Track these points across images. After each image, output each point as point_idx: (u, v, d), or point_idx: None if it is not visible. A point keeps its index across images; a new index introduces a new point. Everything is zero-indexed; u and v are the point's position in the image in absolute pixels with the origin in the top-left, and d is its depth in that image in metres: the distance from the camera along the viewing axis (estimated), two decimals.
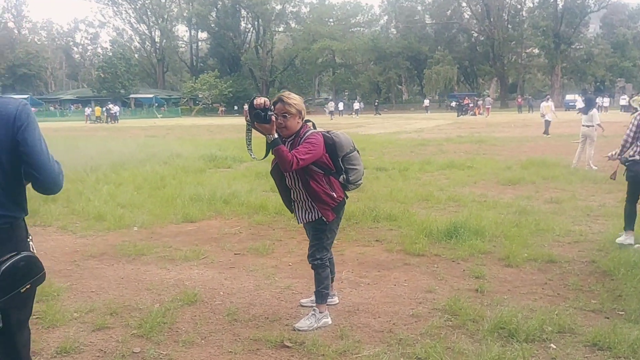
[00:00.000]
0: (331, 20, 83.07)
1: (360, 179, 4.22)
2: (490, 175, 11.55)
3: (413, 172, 12.29)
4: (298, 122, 3.90)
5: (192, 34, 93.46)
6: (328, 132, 4.08)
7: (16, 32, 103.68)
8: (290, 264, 5.62)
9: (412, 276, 5.17)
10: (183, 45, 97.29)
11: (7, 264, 1.99)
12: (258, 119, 3.65)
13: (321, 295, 4.11)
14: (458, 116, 49.11)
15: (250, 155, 4.00)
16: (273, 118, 3.67)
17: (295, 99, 3.90)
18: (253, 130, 3.86)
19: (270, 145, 3.73)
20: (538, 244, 6.13)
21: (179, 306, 4.40)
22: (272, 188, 10.04)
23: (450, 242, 6.17)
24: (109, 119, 50.96)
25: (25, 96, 72.65)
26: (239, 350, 3.62)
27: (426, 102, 65.54)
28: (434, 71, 70.79)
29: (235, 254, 6.01)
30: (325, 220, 4.02)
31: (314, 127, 4.06)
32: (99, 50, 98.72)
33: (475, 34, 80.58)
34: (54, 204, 8.51)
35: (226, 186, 9.95)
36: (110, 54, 76.53)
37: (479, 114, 51.68)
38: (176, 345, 3.70)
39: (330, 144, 3.99)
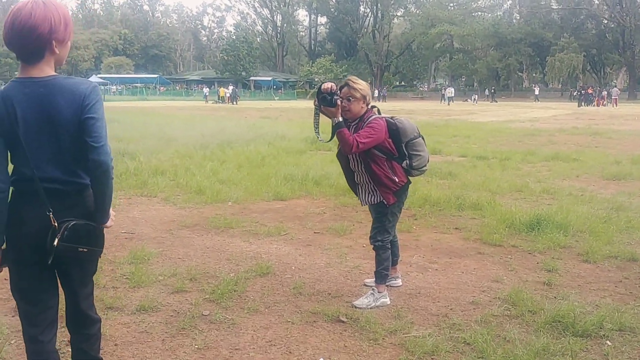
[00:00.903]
0: (452, 4, 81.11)
1: (425, 165, 4.29)
2: (596, 169, 11.00)
3: (514, 163, 11.96)
4: (362, 107, 4.05)
5: (312, 18, 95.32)
6: (392, 117, 4.19)
7: (150, 14, 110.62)
8: (365, 245, 5.76)
9: (482, 265, 5.18)
10: (303, 30, 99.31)
11: (76, 222, 2.31)
12: (324, 102, 3.87)
13: (381, 276, 4.26)
14: (579, 106, 46.50)
15: (317, 137, 4.23)
16: (338, 102, 3.87)
17: (360, 84, 4.05)
18: (321, 115, 4.07)
19: (335, 128, 3.92)
20: (624, 241, 5.88)
21: (252, 277, 4.72)
22: None
23: (530, 235, 6.06)
24: (232, 100, 53.14)
25: (155, 76, 77.72)
26: (297, 321, 3.87)
27: (536, 90, 62.57)
28: (557, 59, 67.22)
29: (314, 232, 6.28)
30: (386, 203, 4.15)
31: (379, 113, 4.19)
32: (224, 33, 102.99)
33: (605, 21, 75.35)
34: (161, 177, 9.24)
35: (320, 168, 10.25)
36: (234, 37, 79.60)
37: (602, 105, 48.61)
38: (241, 311, 4.02)
39: (394, 130, 4.10)
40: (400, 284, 4.64)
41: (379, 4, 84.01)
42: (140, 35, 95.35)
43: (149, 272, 4.76)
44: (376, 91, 65.14)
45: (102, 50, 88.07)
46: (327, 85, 3.89)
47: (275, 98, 68.55)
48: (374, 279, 4.32)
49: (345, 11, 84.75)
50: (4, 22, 2.26)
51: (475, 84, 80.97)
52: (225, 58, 75.96)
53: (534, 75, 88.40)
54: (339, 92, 3.93)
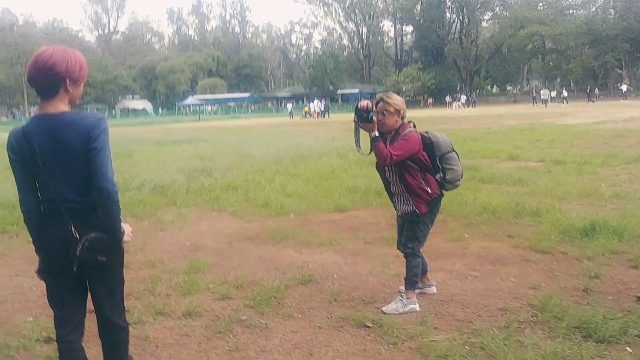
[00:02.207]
0: (541, 4, 78.43)
1: (459, 180, 4.48)
2: None
3: (592, 167, 11.56)
4: (397, 120, 4.28)
5: (397, 28, 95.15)
6: (426, 132, 4.42)
7: (241, 36, 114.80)
8: None
9: (524, 272, 5.19)
10: (388, 40, 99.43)
11: (95, 234, 2.69)
12: (361, 119, 4.18)
13: (410, 282, 4.42)
14: None
15: (358, 150, 4.50)
16: (374, 118, 4.14)
17: (395, 99, 4.31)
18: (360, 129, 4.34)
19: (372, 142, 4.20)
20: None
21: (294, 284, 5.02)
22: None
23: (583, 241, 5.97)
24: (323, 114, 53.68)
25: (247, 94, 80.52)
26: (325, 326, 4.12)
27: (624, 87, 57.09)
28: None
29: (366, 242, 6.50)
30: (418, 212, 4.34)
31: (414, 127, 4.40)
32: (311, 50, 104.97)
33: None
34: (233, 192, 9.78)
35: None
36: (320, 52, 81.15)
37: None
38: (276, 316, 4.32)
39: (428, 144, 4.34)
40: (435, 291, 4.77)
41: (464, 9, 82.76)
42: (232, 56, 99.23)
43: (201, 280, 5.17)
44: (463, 97, 63.97)
45: (197, 72, 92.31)
46: (363, 103, 4.20)
47: None
48: (404, 286, 4.49)
49: (431, 19, 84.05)
50: (29, 63, 2.69)
51: (571, 84, 77.78)
52: (313, 73, 77.42)
53: (635, 72, 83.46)
54: (374, 109, 4.21)
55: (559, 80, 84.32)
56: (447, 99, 67.56)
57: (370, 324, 4.09)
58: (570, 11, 78.93)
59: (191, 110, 73.08)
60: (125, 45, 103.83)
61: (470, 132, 22.58)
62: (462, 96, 65.27)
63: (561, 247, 5.86)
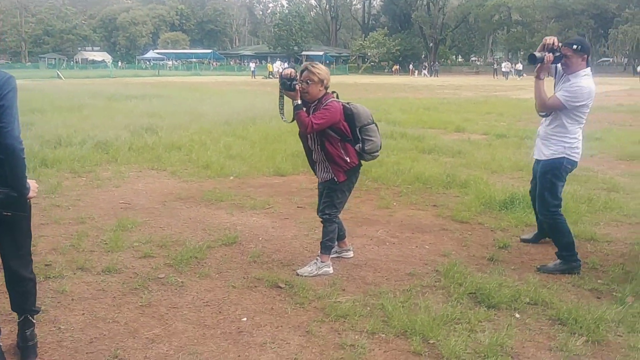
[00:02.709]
0: None
1: (377, 151, 4.63)
2: (614, 149, 10.91)
3: (532, 141, 11.91)
4: (320, 90, 4.41)
5: None
6: (348, 103, 4.55)
7: None
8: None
9: (439, 240, 5.46)
10: (356, 3, 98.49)
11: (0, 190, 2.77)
12: (285, 86, 4.34)
13: (325, 247, 4.62)
14: None
15: (282, 117, 4.65)
16: (297, 87, 4.28)
17: (319, 69, 4.41)
18: (285, 97, 4.45)
19: (294, 109, 4.34)
20: (594, 221, 6.03)
21: (217, 245, 5.17)
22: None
23: (502, 212, 6.28)
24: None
25: (209, 51, 79.12)
26: (240, 286, 4.29)
27: (504, 66, 57.45)
28: (621, 31, 64.47)
29: (298, 207, 6.67)
30: (336, 180, 4.52)
31: (337, 98, 4.53)
32: (278, 8, 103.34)
33: None
34: (177, 152, 9.81)
35: None
36: (287, 11, 79.88)
37: None
38: (193, 275, 4.48)
39: (349, 114, 4.47)
40: (351, 255, 4.98)
41: None
42: (196, 11, 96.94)
43: (127, 238, 5.27)
44: (425, 65, 64.28)
45: (160, 25, 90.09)
46: (287, 71, 4.34)
47: None
48: (320, 249, 4.68)
49: None
50: None
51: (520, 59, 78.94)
52: (278, 32, 76.43)
53: (598, 48, 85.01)
54: (297, 77, 4.33)
55: (522, 53, 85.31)
56: (411, 66, 67.84)
57: (282, 285, 4.28)
58: None
59: (151, 64, 71.36)
60: None
61: (426, 101, 22.86)
62: (425, 64, 65.60)
63: (479, 218, 6.16)
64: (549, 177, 4.74)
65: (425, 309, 3.82)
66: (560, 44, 4.56)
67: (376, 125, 4.62)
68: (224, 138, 11.14)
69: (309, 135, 4.55)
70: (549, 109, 4.73)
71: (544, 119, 4.88)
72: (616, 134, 13.13)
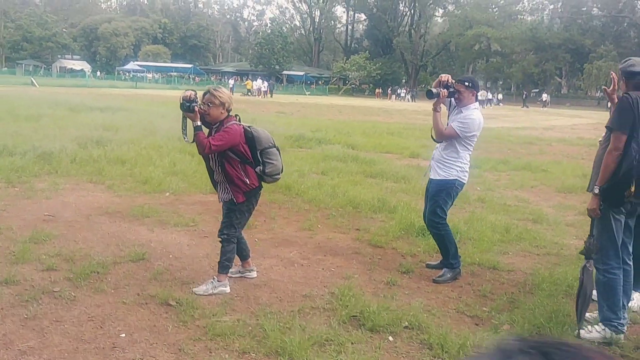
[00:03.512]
0: (493, 6, 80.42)
1: (278, 174, 4.83)
2: (556, 182, 11.16)
3: (480, 171, 12.17)
4: (222, 112, 4.56)
5: (350, 15, 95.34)
6: (249, 126, 4.72)
7: (192, 5, 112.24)
8: (257, 239, 6.24)
9: (348, 263, 5.59)
10: (340, 26, 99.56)
11: None
12: (184, 108, 4.49)
13: (223, 266, 4.72)
14: None
15: (184, 137, 4.77)
16: (196, 109, 4.43)
17: (221, 93, 4.59)
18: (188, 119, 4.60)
19: (194, 130, 4.46)
20: (502, 250, 6.22)
21: (124, 261, 5.24)
22: (323, 172, 10.71)
23: (418, 238, 6.44)
24: (260, 93, 53.67)
25: (189, 66, 79.10)
26: (130, 302, 4.36)
27: (544, 96, 60.35)
28: (595, 66, 65.91)
29: None
30: (235, 201, 4.65)
31: (239, 121, 4.68)
32: (262, 27, 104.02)
33: None
34: (120, 166, 9.85)
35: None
36: (269, 31, 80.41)
37: None
38: (89, 290, 4.54)
39: (250, 137, 4.64)
40: (255, 275, 5.09)
41: (417, 3, 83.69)
42: (180, 25, 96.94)
43: (36, 251, 5.32)
44: (403, 91, 65.04)
45: (142, 38, 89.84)
46: (187, 93, 4.51)
47: (307, 93, 69.01)
48: (217, 269, 4.77)
49: (384, 9, 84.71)
50: None
51: (512, 88, 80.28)
52: (259, 51, 76.85)
53: (573, 81, 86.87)
54: (197, 100, 4.46)
55: (500, 82, 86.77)
56: (389, 90, 68.63)
57: (173, 303, 4.37)
58: (519, 17, 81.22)
59: (131, 76, 71.18)
60: (69, 1, 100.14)
61: (393, 126, 23.17)
62: (402, 89, 66.38)
63: (395, 243, 6.32)
64: (443, 195, 5.28)
65: (302, 330, 3.93)
66: (454, 81, 5.12)
67: (277, 149, 4.80)
68: (173, 154, 11.21)
69: (210, 156, 4.67)
70: (446, 138, 5.19)
71: (438, 144, 5.29)
72: (564, 166, 13.44)
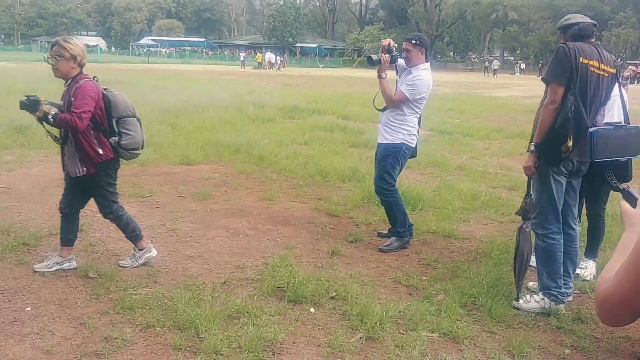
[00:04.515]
0: None
1: (137, 149, 4.31)
2: None
3: (471, 139, 11.92)
4: (73, 67, 3.97)
5: None
6: (106, 89, 4.15)
7: None
8: (210, 210, 6.05)
9: (296, 233, 5.38)
10: None
11: None
12: (23, 106, 3.95)
13: (133, 237, 4.42)
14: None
15: (54, 140, 4.28)
16: (40, 107, 3.92)
17: (71, 44, 3.96)
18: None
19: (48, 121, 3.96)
20: (463, 218, 5.97)
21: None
22: (305, 142, 10.48)
23: (378, 207, 6.18)
24: (272, 66, 53.21)
25: (202, 39, 78.78)
26: (49, 274, 4.19)
27: (495, 64, 57.50)
28: (614, 34, 64.18)
29: (179, 196, 6.58)
30: (87, 173, 4.12)
31: (97, 82, 4.11)
32: None
33: None
34: None
35: (262, 135, 10.54)
36: (282, 2, 79.47)
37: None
38: (11, 262, 4.36)
39: (107, 102, 4.07)
40: (155, 254, 4.55)
41: None
42: None
43: None
44: None
45: (156, 12, 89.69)
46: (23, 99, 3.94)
47: (320, 65, 68.28)
48: (134, 244, 4.47)
49: None
50: None
51: (530, 57, 78.66)
52: (272, 24, 76.10)
53: None
54: (36, 96, 3.96)
55: (518, 52, 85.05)
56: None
57: (93, 275, 4.20)
58: None
59: (145, 51, 71.07)
60: None
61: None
62: None
63: (353, 212, 6.09)
64: (390, 160, 5.01)
65: (216, 302, 3.75)
66: (396, 45, 4.97)
67: (138, 120, 4.28)
68: (153, 125, 11.02)
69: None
70: (396, 104, 4.88)
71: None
72: None
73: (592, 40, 3.84)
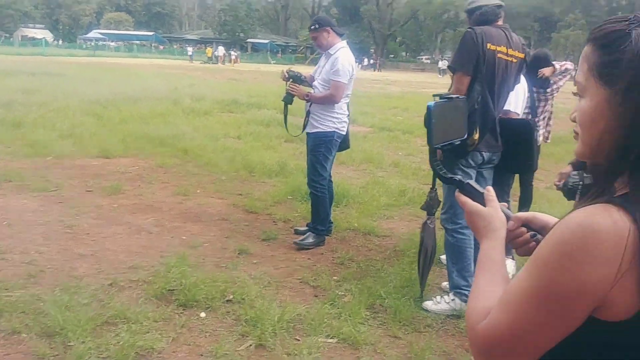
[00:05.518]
0: None
1: None
2: None
3: (410, 136, 11.72)
4: None
5: None
6: None
7: None
8: (117, 205, 5.62)
9: (206, 231, 5.02)
10: None
11: None
12: None
13: None
14: None
15: None
16: None
17: None
18: None
19: None
20: (388, 215, 5.74)
21: None
22: (239, 136, 10.11)
23: (300, 204, 5.89)
24: (222, 60, 52.52)
25: (151, 34, 77.11)
26: None
27: (440, 64, 58.11)
28: (563, 35, 65.85)
29: (87, 191, 6.11)
30: None
31: None
32: None
33: None
34: (14, 128, 9.09)
35: (193, 129, 10.11)
36: None
37: None
38: None
39: None
40: None
41: None
42: None
43: None
44: (365, 60, 64.06)
45: (105, 5, 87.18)
46: None
47: (272, 62, 67.63)
48: None
49: None
50: None
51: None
52: (223, 18, 75.06)
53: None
54: None
55: None
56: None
57: None
58: None
59: (93, 44, 68.85)
60: None
61: None
62: (364, 59, 65.46)
63: (273, 208, 5.76)
64: (322, 150, 4.76)
65: (90, 306, 3.36)
66: (286, 70, 5.02)
67: None
68: (78, 116, 10.45)
69: None
70: (339, 96, 4.65)
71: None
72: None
73: (500, 23, 3.61)
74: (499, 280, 1.00)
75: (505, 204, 1.17)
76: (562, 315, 0.85)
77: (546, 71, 4.92)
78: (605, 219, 0.81)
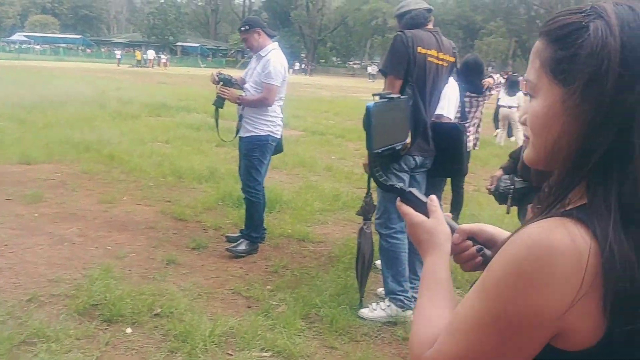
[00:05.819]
0: None
1: None
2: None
3: (343, 140, 11.78)
4: None
5: None
6: None
7: None
8: (38, 214, 5.30)
9: (132, 240, 4.80)
10: None
11: None
12: None
13: None
14: None
15: None
16: None
17: None
18: None
19: None
20: (322, 220, 5.69)
21: None
22: (167, 140, 9.82)
23: (234, 210, 5.74)
24: (151, 64, 51.35)
25: (78, 37, 74.56)
26: None
27: (370, 69, 59.91)
28: (485, 42, 68.15)
29: (6, 199, 5.74)
30: None
31: None
32: None
33: (535, 7, 76.68)
34: None
35: (119, 133, 9.75)
36: (162, 0, 76.83)
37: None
38: None
39: None
40: None
41: None
42: None
43: None
44: (297, 64, 64.32)
45: (29, 7, 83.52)
46: None
47: (202, 65, 66.63)
48: None
49: None
50: None
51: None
52: (152, 22, 73.43)
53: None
54: None
55: None
56: None
57: None
58: None
59: (16, 47, 65.71)
60: None
61: None
62: (296, 63, 65.67)
63: (203, 215, 5.59)
64: (257, 154, 4.62)
65: (5, 324, 3.12)
66: (216, 73, 4.91)
67: None
68: (0, 122, 9.88)
69: None
70: (272, 99, 4.55)
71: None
72: None
73: (430, 27, 3.61)
74: (444, 302, 0.91)
75: (450, 214, 1.11)
76: (516, 344, 0.76)
77: (489, 82, 5.11)
78: (563, 235, 0.73)
